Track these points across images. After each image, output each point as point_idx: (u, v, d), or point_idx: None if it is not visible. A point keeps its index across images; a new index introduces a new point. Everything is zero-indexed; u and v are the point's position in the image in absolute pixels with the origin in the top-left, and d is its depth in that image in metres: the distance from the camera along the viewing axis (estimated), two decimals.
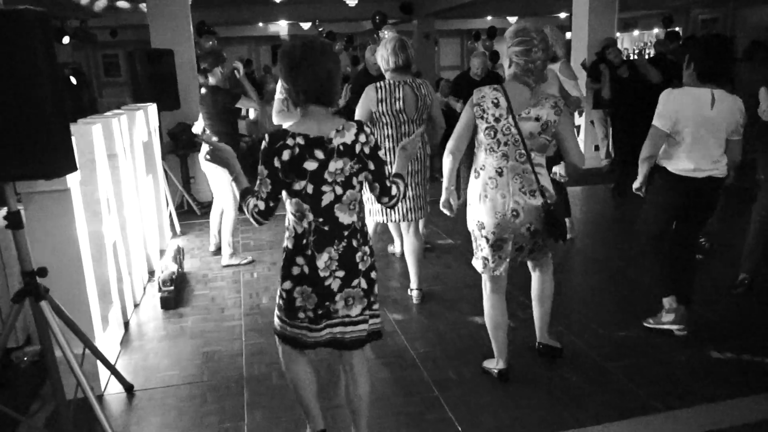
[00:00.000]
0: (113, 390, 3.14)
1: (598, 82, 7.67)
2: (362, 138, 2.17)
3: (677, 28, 15.58)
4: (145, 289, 4.50)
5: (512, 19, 18.70)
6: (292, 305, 2.23)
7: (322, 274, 2.17)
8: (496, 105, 2.74)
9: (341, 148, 2.13)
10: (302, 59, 2.09)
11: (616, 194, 6.92)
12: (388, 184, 2.28)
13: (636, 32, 19.72)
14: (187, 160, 6.91)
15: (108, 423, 2.62)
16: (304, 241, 2.17)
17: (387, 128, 3.73)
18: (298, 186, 2.12)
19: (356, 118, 3.66)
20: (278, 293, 2.28)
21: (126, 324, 3.89)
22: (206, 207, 6.83)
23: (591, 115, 8.66)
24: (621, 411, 2.79)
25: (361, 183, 2.21)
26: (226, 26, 15.73)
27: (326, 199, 2.15)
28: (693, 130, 3.18)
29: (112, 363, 3.18)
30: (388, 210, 3.78)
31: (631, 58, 14.69)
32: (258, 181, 2.14)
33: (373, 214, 3.91)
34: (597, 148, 8.86)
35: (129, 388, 3.12)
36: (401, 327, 3.76)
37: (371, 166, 2.21)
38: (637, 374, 3.11)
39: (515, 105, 2.74)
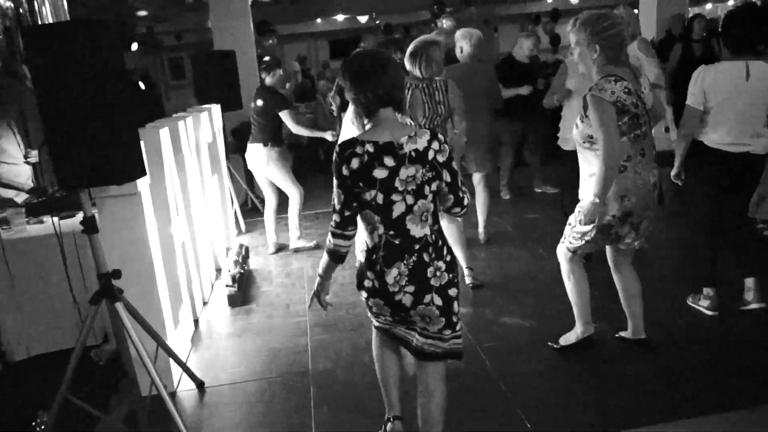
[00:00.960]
0: (185, 387, 3.25)
1: (666, 60, 7.31)
2: (435, 145, 2.07)
3: None
4: (213, 286, 4.63)
5: (574, 0, 18.12)
6: (371, 311, 2.29)
7: (391, 289, 2.13)
8: (629, 93, 2.68)
9: (413, 154, 2.05)
10: (372, 67, 2.08)
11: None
12: (461, 194, 2.17)
13: (709, 5, 18.70)
14: None
15: (181, 419, 2.72)
16: (374, 256, 2.13)
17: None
18: (368, 196, 2.07)
19: None
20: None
21: (196, 321, 4.02)
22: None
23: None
24: (703, 406, 2.66)
25: (433, 193, 2.12)
26: (284, 24, 15.98)
27: (397, 209, 2.08)
28: (727, 104, 3.13)
29: (184, 360, 3.29)
30: None
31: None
32: (333, 196, 2.12)
33: None
34: (667, 129, 8.48)
35: (200, 385, 3.22)
36: (465, 322, 3.71)
37: (446, 177, 2.10)
38: (716, 365, 2.95)
39: (634, 86, 2.73)
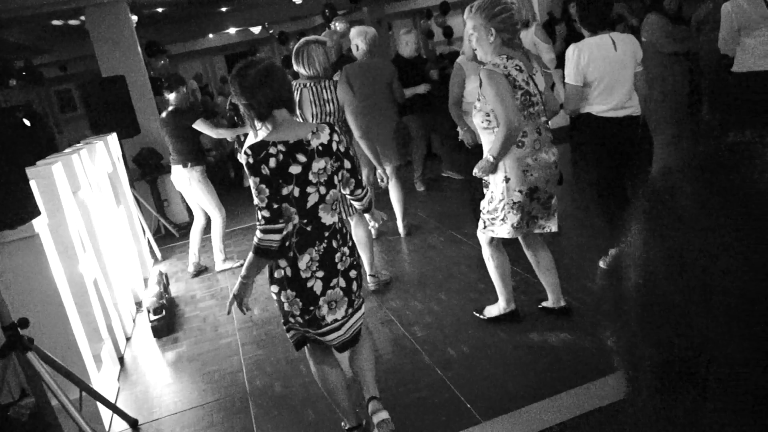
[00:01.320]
0: (118, 428, 3.10)
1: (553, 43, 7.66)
2: (336, 138, 2.30)
3: None
4: (134, 321, 4.44)
5: None
6: (282, 309, 2.34)
7: (303, 275, 2.24)
8: (520, 70, 2.78)
9: (320, 148, 2.24)
10: (257, 75, 2.19)
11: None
12: (360, 177, 2.44)
13: None
14: (157, 184, 6.82)
15: None
16: (287, 243, 2.23)
17: None
18: (285, 191, 2.19)
19: None
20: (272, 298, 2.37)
21: (121, 359, 3.84)
22: (184, 228, 6.78)
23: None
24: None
25: (340, 182, 2.34)
26: (176, 43, 15.51)
27: (311, 200, 2.24)
28: (605, 76, 3.37)
29: (113, 401, 3.14)
30: None
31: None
32: (255, 195, 2.18)
33: None
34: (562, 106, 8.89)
35: (134, 424, 3.08)
36: (397, 315, 3.75)
37: (347, 164, 2.34)
38: None
39: (526, 68, 2.82)
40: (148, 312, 4.19)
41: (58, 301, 2.92)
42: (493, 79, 2.72)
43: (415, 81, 5.64)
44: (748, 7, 3.94)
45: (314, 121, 3.67)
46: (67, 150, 4.45)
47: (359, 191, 2.46)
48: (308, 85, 3.66)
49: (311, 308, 2.27)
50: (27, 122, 6.19)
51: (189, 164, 4.92)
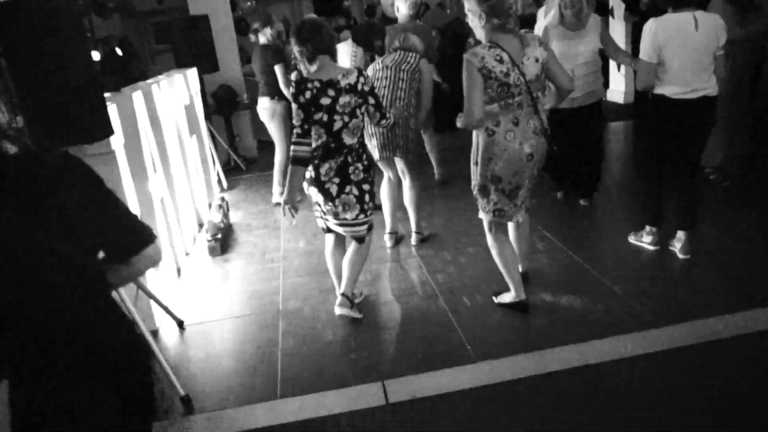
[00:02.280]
0: (167, 326, 3.58)
1: (633, 14, 7.47)
2: (362, 80, 2.96)
3: None
4: (195, 239, 4.94)
5: None
6: (315, 205, 3.20)
7: (323, 179, 3.03)
8: (500, 61, 2.77)
9: (347, 86, 2.93)
10: (310, 29, 2.96)
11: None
12: (384, 111, 3.11)
13: None
14: (231, 119, 7.29)
15: (162, 354, 3.05)
16: (315, 153, 3.00)
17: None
18: (317, 116, 2.94)
19: None
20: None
21: (179, 270, 4.34)
22: (252, 162, 7.27)
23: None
24: (620, 325, 3.01)
25: (362, 114, 3.01)
26: None
27: (336, 125, 2.96)
28: (681, 55, 3.26)
29: (165, 303, 3.61)
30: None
31: None
32: (294, 117, 2.96)
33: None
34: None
35: (180, 324, 3.55)
36: (426, 263, 4.04)
37: (371, 100, 3.02)
38: (636, 296, 3.29)
39: (514, 56, 2.81)
40: (207, 233, 4.67)
41: None
42: (468, 70, 2.78)
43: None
44: None
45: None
46: (150, 80, 4.91)
47: (384, 121, 3.13)
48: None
49: (329, 203, 3.06)
50: (119, 51, 6.75)
51: (276, 97, 5.36)
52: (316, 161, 3.00)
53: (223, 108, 7.08)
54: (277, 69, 5.31)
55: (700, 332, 2.91)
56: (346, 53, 5.03)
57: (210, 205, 5.50)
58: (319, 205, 3.16)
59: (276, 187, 5.65)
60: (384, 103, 3.68)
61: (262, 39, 5.45)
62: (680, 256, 3.63)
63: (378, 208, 4.06)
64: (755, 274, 3.41)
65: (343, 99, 2.92)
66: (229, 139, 7.24)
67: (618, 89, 8.47)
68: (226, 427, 2.64)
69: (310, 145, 2.96)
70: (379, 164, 4.07)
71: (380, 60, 4.07)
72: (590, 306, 3.26)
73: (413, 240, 4.34)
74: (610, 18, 8.32)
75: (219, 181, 6.41)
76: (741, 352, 2.74)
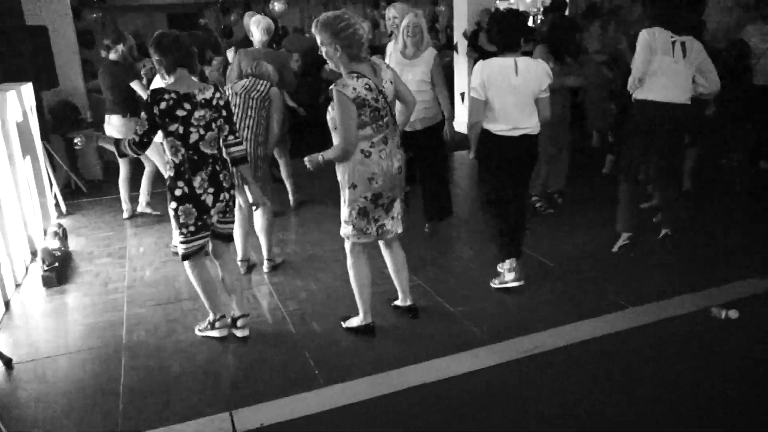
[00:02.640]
0: None
1: (475, 51, 8.13)
2: (218, 95, 3.13)
3: None
4: (27, 269, 4.57)
5: None
6: (178, 222, 3.15)
7: (198, 191, 3.09)
8: (369, 89, 2.96)
9: (203, 101, 3.06)
10: (170, 40, 3.08)
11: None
12: (235, 127, 3.24)
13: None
14: (71, 140, 6.82)
15: None
16: (182, 168, 3.07)
17: None
18: (172, 128, 3.00)
19: None
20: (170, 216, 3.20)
21: (7, 303, 3.99)
22: (95, 185, 6.85)
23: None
24: (457, 344, 3.26)
25: (218, 126, 3.13)
26: None
27: (192, 138, 3.05)
28: (504, 96, 3.60)
29: None
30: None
31: None
32: (137, 125, 3.02)
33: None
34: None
35: (8, 362, 3.27)
36: (276, 289, 4.08)
37: (224, 113, 3.15)
38: (472, 316, 3.60)
39: (375, 82, 3.00)
40: (41, 262, 4.34)
41: None
42: (341, 101, 2.92)
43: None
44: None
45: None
46: None
47: (231, 137, 3.21)
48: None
49: (204, 216, 3.14)
50: None
51: (129, 114, 5.29)
52: (187, 176, 3.07)
53: (64, 126, 6.62)
54: (135, 86, 5.30)
55: (524, 346, 3.24)
56: None
57: (45, 232, 5.11)
58: (186, 227, 3.14)
59: (144, 197, 5.65)
60: None
61: (113, 55, 5.38)
62: (514, 284, 3.88)
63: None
64: (583, 288, 3.85)
65: (198, 113, 3.04)
66: (69, 159, 6.78)
67: (462, 120, 9.10)
68: None
69: (139, 154, 3.12)
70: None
71: (230, 86, 4.10)
72: (430, 327, 3.49)
73: (265, 267, 4.35)
74: (455, 53, 8.99)
75: (57, 205, 5.97)
76: (568, 360, 3.10)
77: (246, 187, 3.62)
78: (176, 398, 2.94)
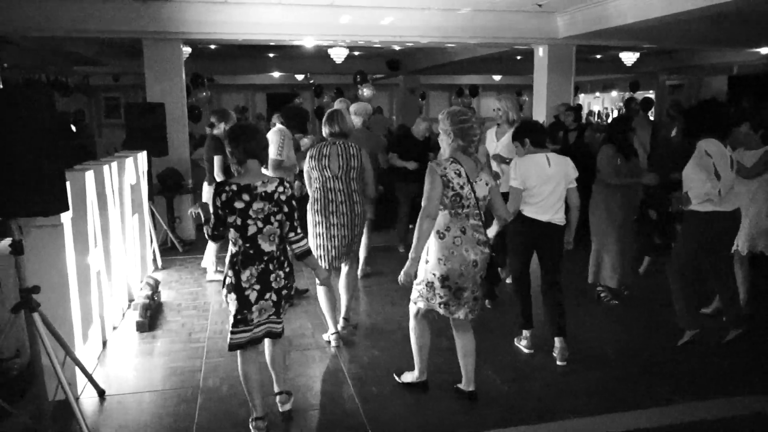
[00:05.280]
0: (88, 394, 3.73)
1: (554, 143, 8.42)
2: (280, 189, 3.09)
3: (650, 92, 16.61)
4: (124, 314, 5.10)
5: (496, 78, 19.77)
6: (229, 307, 3.12)
7: (243, 285, 3.05)
8: (458, 175, 3.28)
9: (263, 194, 3.04)
10: (243, 133, 3.15)
11: None
12: (295, 223, 3.18)
13: (614, 93, 20.83)
14: (173, 201, 7.60)
15: (83, 418, 3.21)
16: (235, 260, 3.07)
17: (315, 182, 4.36)
18: (230, 219, 3.02)
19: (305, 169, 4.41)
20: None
21: (104, 342, 4.50)
22: (189, 245, 7.52)
23: None
24: (516, 417, 3.41)
25: (279, 221, 3.09)
26: (223, 74, 16.70)
27: (251, 230, 3.03)
28: (538, 186, 4.03)
29: (89, 372, 3.77)
30: (326, 257, 4.35)
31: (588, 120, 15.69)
32: (211, 220, 3.10)
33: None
34: None
35: (101, 393, 3.71)
36: (341, 350, 4.37)
37: (285, 209, 3.10)
38: (523, 393, 3.73)
39: (469, 174, 3.32)
40: (136, 309, 4.86)
41: (65, 281, 3.61)
42: (430, 174, 3.29)
43: (414, 157, 6.55)
44: None
45: (340, 173, 4.30)
46: (102, 159, 5.24)
47: (292, 234, 3.18)
48: (337, 142, 4.37)
49: (245, 311, 3.08)
50: (73, 128, 7.06)
51: (212, 182, 5.83)
52: (237, 267, 3.03)
53: (167, 190, 7.40)
54: (216, 159, 5.78)
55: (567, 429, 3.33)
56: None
57: (142, 283, 5.69)
58: (233, 316, 3.10)
59: (210, 266, 6.06)
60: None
61: (216, 132, 5.97)
62: (558, 362, 4.10)
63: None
64: (627, 382, 3.91)
65: (257, 205, 3.00)
66: (169, 220, 7.51)
67: None
68: None
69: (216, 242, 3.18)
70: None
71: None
72: (481, 399, 3.64)
73: (340, 325, 4.61)
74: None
75: (154, 259, 6.62)
76: None
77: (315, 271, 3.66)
78: None
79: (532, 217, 4.10)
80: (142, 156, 6.28)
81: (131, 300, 5.39)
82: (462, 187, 3.30)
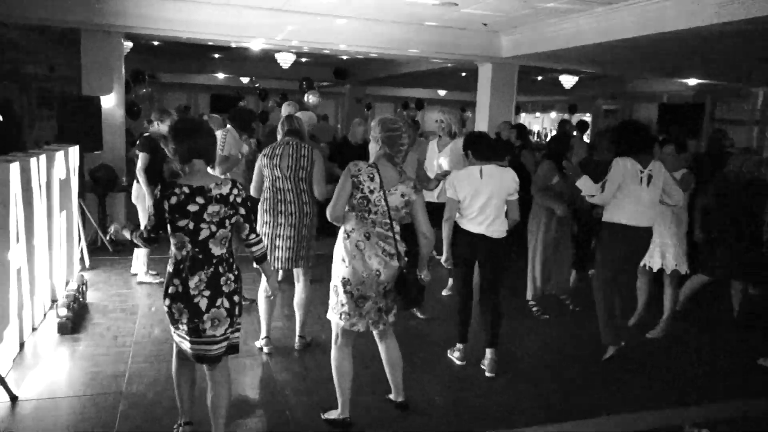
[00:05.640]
0: None
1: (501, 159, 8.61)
2: (235, 191, 2.90)
3: (587, 116, 17.28)
4: (45, 315, 4.86)
5: (441, 92, 20.09)
6: (172, 318, 2.89)
7: (192, 293, 2.81)
8: (371, 179, 3.21)
9: (218, 197, 2.84)
10: (190, 128, 2.93)
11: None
12: (254, 225, 3.02)
13: (554, 114, 21.56)
14: (105, 199, 7.31)
15: None
16: (181, 266, 2.83)
17: (266, 180, 4.29)
18: (182, 223, 2.79)
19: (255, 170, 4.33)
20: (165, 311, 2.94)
21: (21, 344, 4.26)
22: (120, 245, 7.24)
23: None
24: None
25: (233, 224, 2.91)
26: (166, 72, 16.28)
27: (203, 234, 2.82)
28: (470, 197, 4.13)
29: (1, 375, 3.56)
30: (275, 259, 4.29)
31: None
32: (147, 217, 2.89)
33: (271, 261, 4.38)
34: None
35: (14, 398, 3.51)
36: (270, 358, 4.30)
37: (242, 211, 2.92)
38: (456, 404, 3.76)
39: (386, 182, 3.23)
40: (59, 309, 4.64)
41: None
42: (344, 174, 3.25)
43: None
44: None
45: (289, 173, 4.22)
46: (30, 151, 5.00)
47: (253, 236, 2.99)
48: (291, 142, 4.30)
49: (196, 320, 2.81)
50: (0, 117, 6.71)
51: (136, 180, 5.71)
52: (184, 275, 2.81)
53: (100, 187, 7.13)
54: (141, 157, 5.65)
55: None
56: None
57: (67, 282, 5.44)
58: (180, 323, 2.86)
59: (141, 267, 5.94)
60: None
61: (152, 129, 5.82)
62: (487, 374, 4.18)
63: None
64: (564, 391, 4.01)
65: (212, 208, 2.81)
66: (100, 218, 7.23)
67: None
68: None
69: (150, 248, 3.01)
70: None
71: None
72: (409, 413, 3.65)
73: (297, 344, 4.52)
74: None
75: (82, 259, 6.34)
76: None
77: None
78: None
79: (467, 229, 4.18)
80: (74, 150, 6.02)
81: (54, 300, 5.14)
82: (372, 192, 3.22)
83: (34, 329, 4.57)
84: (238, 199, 2.90)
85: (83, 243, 6.41)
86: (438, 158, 5.48)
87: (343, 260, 3.27)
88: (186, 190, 2.79)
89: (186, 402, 3.14)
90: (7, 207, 3.83)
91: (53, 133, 8.77)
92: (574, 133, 9.07)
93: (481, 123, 9.52)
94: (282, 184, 4.25)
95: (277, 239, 4.26)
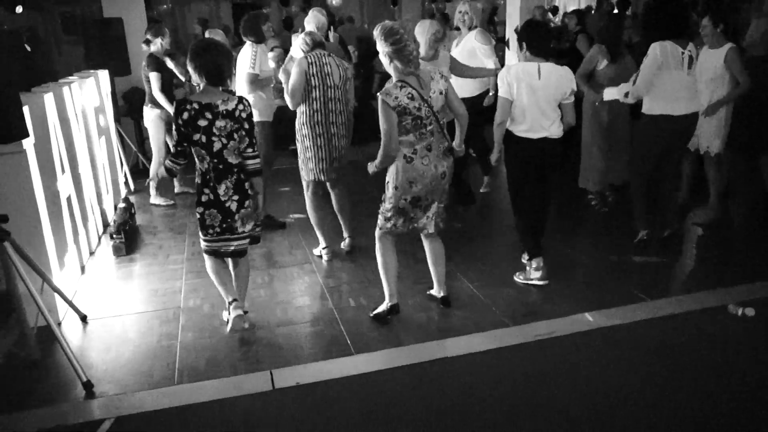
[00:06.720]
0: (70, 320, 3.77)
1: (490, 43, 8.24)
2: (240, 107, 3.19)
3: None
4: (99, 239, 5.08)
5: None
6: (204, 224, 3.32)
7: (222, 198, 3.25)
8: (411, 98, 3.19)
9: (224, 112, 3.14)
10: (203, 51, 3.16)
11: None
12: (255, 140, 3.29)
13: None
14: (141, 122, 7.38)
15: (65, 342, 3.25)
16: (207, 176, 3.23)
17: (314, 91, 4.18)
18: (195, 137, 3.13)
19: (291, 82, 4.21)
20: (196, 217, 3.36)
21: (83, 268, 4.50)
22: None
23: None
24: (481, 326, 3.54)
25: (239, 137, 3.21)
26: None
27: (216, 146, 3.17)
28: (526, 98, 3.74)
29: (69, 298, 3.80)
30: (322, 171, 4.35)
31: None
32: (175, 136, 3.20)
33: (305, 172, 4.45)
34: None
35: (83, 318, 3.75)
36: (319, 267, 4.45)
37: (245, 125, 3.22)
38: (497, 302, 3.86)
39: (423, 92, 3.22)
40: (112, 233, 4.84)
41: (34, 209, 3.56)
42: (384, 109, 3.19)
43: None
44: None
45: (339, 83, 4.22)
46: (61, 81, 5.04)
47: (250, 150, 3.26)
48: (330, 55, 4.29)
49: (229, 220, 3.28)
50: (28, 48, 6.72)
51: (150, 104, 5.74)
52: (211, 184, 3.21)
53: (134, 111, 7.18)
54: (153, 77, 5.58)
55: (540, 330, 3.49)
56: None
57: (116, 207, 5.64)
58: (212, 229, 3.30)
59: (152, 190, 6.05)
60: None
61: (153, 48, 5.69)
62: (539, 282, 4.03)
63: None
64: (604, 280, 4.06)
65: (219, 123, 3.12)
66: (138, 141, 7.35)
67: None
68: (126, 409, 2.91)
69: (181, 165, 3.24)
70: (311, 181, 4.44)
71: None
72: (456, 309, 3.77)
73: (345, 245, 4.66)
74: (506, 49, 9.13)
75: (126, 183, 6.53)
76: (582, 346, 3.34)
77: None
78: (224, 356, 3.34)
79: (521, 136, 3.83)
80: (104, 75, 6.04)
81: (106, 224, 5.36)
82: (419, 109, 3.23)
83: (91, 254, 4.80)
84: (243, 114, 3.20)
85: (126, 167, 6.56)
86: (453, 52, 5.23)
87: (412, 183, 3.34)
88: (195, 106, 3.10)
89: (228, 284, 3.51)
90: (48, 138, 3.92)
91: (81, 59, 8.79)
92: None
93: (513, 12, 9.06)
94: (333, 94, 4.24)
95: (332, 150, 4.30)
